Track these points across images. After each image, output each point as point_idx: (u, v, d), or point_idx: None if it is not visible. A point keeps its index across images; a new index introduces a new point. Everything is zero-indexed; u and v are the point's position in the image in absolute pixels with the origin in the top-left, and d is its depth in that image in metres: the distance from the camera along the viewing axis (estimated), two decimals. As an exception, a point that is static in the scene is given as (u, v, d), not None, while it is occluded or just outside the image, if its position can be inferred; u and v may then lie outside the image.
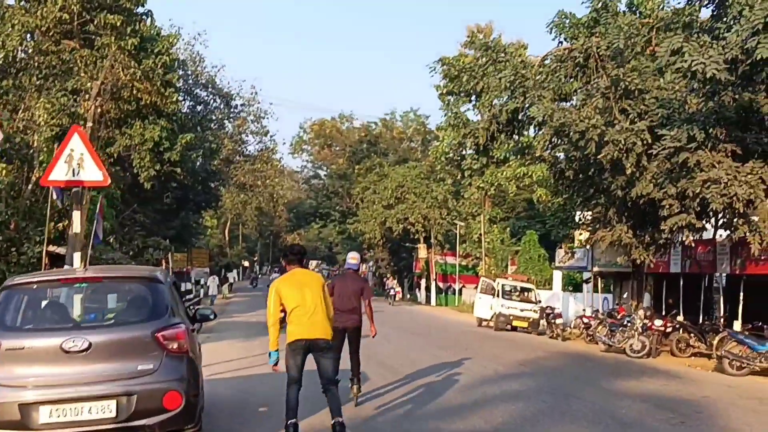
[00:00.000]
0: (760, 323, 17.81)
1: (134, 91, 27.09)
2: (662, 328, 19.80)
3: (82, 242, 16.18)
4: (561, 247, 31.14)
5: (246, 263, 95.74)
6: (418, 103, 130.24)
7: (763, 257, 17.62)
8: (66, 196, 12.02)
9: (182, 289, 39.91)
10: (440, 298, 53.96)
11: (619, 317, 24.04)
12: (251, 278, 77.53)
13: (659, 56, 14.80)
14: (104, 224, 26.01)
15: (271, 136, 54.33)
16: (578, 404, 10.85)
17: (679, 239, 21.15)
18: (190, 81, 48.05)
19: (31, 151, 19.90)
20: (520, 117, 18.85)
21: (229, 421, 9.24)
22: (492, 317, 28.47)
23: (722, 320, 20.78)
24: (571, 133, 17.33)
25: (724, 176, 15.09)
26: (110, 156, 32.23)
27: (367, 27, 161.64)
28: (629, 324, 19.67)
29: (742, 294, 20.78)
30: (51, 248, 16.48)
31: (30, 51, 23.88)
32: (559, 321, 25.48)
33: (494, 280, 30.08)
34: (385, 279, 64.18)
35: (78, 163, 10.39)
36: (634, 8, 23.48)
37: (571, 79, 18.27)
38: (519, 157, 52.92)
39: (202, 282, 49.89)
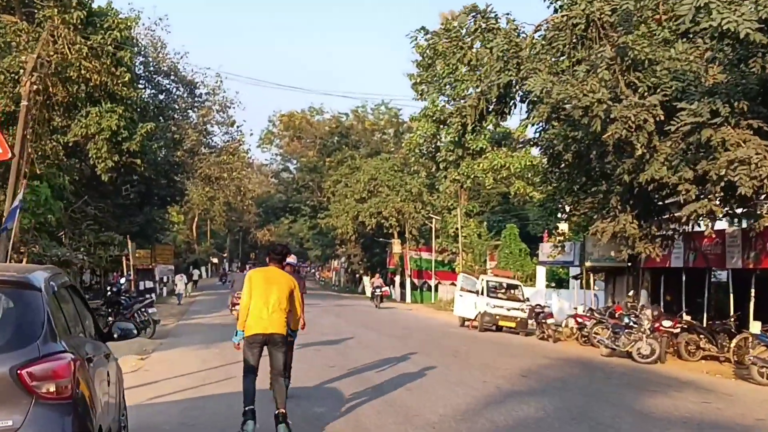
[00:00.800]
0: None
1: (82, 71, 24.67)
2: (671, 330, 17.82)
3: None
4: (549, 241, 29.04)
5: (215, 260, 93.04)
6: (389, 97, 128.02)
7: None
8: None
9: (143, 287, 37.69)
10: (415, 294, 51.89)
11: (616, 316, 22.12)
12: (220, 275, 74.93)
13: (681, 15, 12.69)
14: (49, 218, 23.62)
15: (237, 127, 51.32)
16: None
17: (682, 230, 19.21)
18: (151, 68, 45.42)
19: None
20: (513, 92, 16.61)
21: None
22: (476, 317, 26.23)
23: (733, 320, 18.84)
24: (573, 110, 15.19)
25: (754, 156, 13.06)
26: (64, 145, 29.96)
27: (334, 21, 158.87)
28: (635, 325, 17.61)
29: (753, 290, 18.98)
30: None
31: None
32: (550, 321, 23.38)
33: (477, 277, 27.91)
34: (358, 275, 62.00)
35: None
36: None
37: (572, 49, 16.07)
38: (496, 148, 51.41)
39: (165, 280, 47.45)
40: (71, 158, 31.55)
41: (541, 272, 35.16)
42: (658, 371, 15.85)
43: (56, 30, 23.54)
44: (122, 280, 24.85)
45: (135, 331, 6.59)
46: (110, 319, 19.78)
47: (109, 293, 20.62)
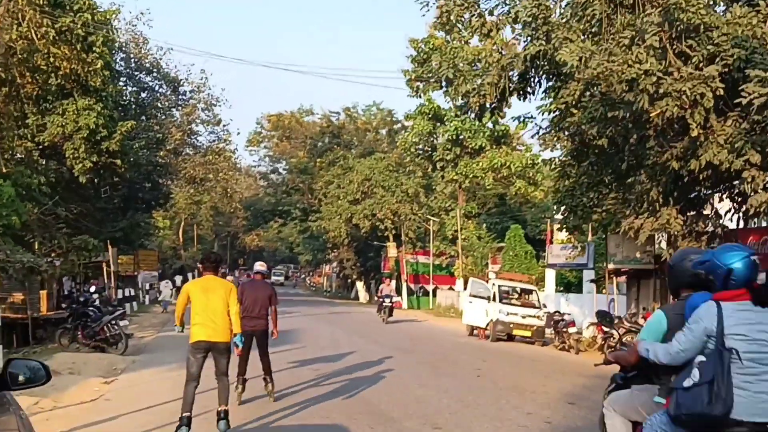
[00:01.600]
0: None
1: (50, 58, 22.30)
2: (723, 340, 15.53)
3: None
4: (567, 241, 26.69)
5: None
6: (380, 99, 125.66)
7: None
8: None
9: (124, 294, 35.22)
10: (411, 300, 49.52)
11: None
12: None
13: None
14: (13, 219, 21.09)
15: (224, 126, 48.85)
16: None
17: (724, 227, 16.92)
18: (133, 64, 43.01)
19: None
20: (540, 66, 14.25)
21: None
22: (488, 325, 23.76)
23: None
24: (616, 85, 12.89)
25: None
26: (39, 145, 27.80)
27: (326, 23, 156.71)
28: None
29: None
30: None
31: None
32: (572, 330, 21.01)
33: (488, 281, 25.50)
34: (351, 280, 59.48)
35: None
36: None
37: (608, 17, 13.75)
38: (495, 146, 49.20)
39: (147, 287, 44.95)
40: (49, 160, 29.35)
41: (550, 275, 32.88)
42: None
43: (21, 11, 21.25)
44: (92, 289, 22.32)
45: (45, 375, 4.18)
46: (78, 333, 17.37)
47: (74, 304, 18.15)
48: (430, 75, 48.79)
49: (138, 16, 48.82)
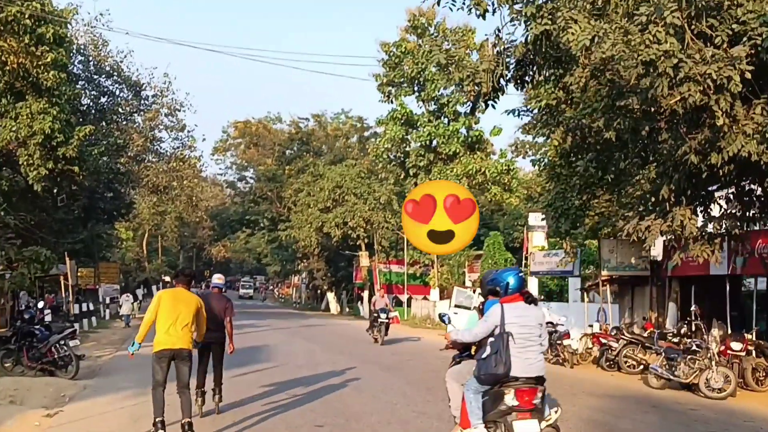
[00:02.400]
0: None
1: (-5, 52, 20.47)
2: (742, 353, 14.12)
3: None
4: (562, 247, 25.13)
5: (167, 278, 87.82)
6: (350, 106, 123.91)
7: None
8: None
9: (81, 310, 33.12)
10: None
11: (646, 335, 18.41)
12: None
13: None
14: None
15: (188, 132, 46.77)
16: None
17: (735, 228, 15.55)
18: (92, 68, 40.99)
19: None
20: (543, 49, 12.71)
21: None
22: (474, 338, 22.13)
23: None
24: (632, 69, 11.42)
25: None
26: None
27: (293, 32, 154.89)
28: (700, 349, 13.83)
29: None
30: None
31: None
32: (567, 342, 19.46)
33: (474, 290, 23.91)
34: (321, 291, 57.63)
35: None
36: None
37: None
38: (469, 152, 47.84)
39: (107, 301, 42.83)
40: (1, 167, 27.34)
41: (533, 284, 31.40)
42: (744, 410, 12.12)
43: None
44: (40, 304, 20.31)
45: None
46: (22, 355, 15.45)
47: (18, 322, 16.19)
48: (402, 80, 47.78)
49: (97, 17, 46.72)
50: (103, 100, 42.03)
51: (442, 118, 46.97)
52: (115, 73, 41.98)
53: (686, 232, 13.62)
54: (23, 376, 14.73)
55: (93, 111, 40.49)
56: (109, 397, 12.52)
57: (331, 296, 58.61)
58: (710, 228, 14.96)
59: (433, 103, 47.42)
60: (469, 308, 22.80)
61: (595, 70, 12.60)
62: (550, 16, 12.00)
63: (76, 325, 18.93)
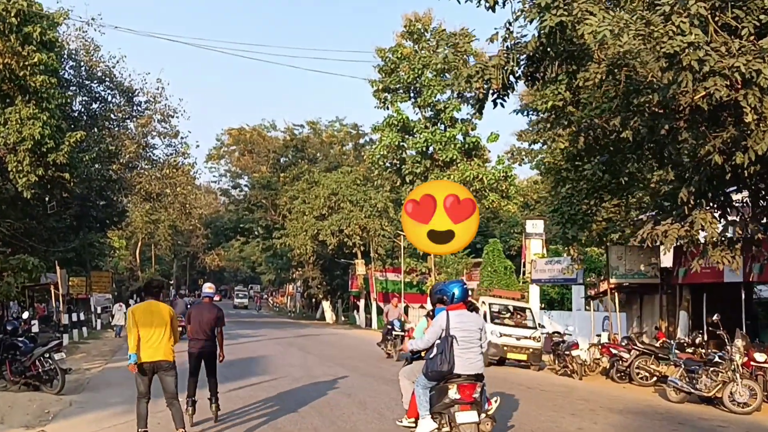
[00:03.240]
0: None
1: (-21, 53, 19.70)
2: (766, 365, 13.41)
3: None
4: (562, 255, 24.51)
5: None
6: (345, 111, 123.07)
7: None
8: None
9: (71, 320, 32.24)
10: (381, 320, 47.02)
11: (658, 345, 17.70)
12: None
13: None
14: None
15: (182, 138, 45.94)
16: None
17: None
18: (84, 73, 40.13)
19: None
20: (557, 44, 12.02)
21: None
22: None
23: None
24: (652, 63, 10.74)
25: None
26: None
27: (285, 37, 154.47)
28: (723, 361, 13.11)
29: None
30: None
31: None
32: (576, 353, 18.72)
33: (477, 299, 23.13)
34: (316, 300, 56.80)
35: None
36: None
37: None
38: (466, 159, 47.20)
39: (99, 311, 41.94)
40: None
41: (534, 292, 30.73)
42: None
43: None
44: (25, 315, 19.44)
45: None
46: (5, 368, 14.65)
47: (0, 334, 15.35)
48: (398, 86, 47.14)
49: (89, 21, 45.74)
50: (94, 105, 41.13)
51: (439, 124, 46.31)
52: (108, 79, 41.11)
53: (708, 237, 12.92)
54: (5, 391, 13.92)
55: (84, 117, 39.58)
56: (97, 413, 11.70)
57: (326, 305, 57.84)
58: (730, 233, 14.24)
59: (429, 109, 46.75)
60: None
61: (611, 65, 11.91)
62: (566, 7, 11.28)
63: (65, 336, 18.11)
